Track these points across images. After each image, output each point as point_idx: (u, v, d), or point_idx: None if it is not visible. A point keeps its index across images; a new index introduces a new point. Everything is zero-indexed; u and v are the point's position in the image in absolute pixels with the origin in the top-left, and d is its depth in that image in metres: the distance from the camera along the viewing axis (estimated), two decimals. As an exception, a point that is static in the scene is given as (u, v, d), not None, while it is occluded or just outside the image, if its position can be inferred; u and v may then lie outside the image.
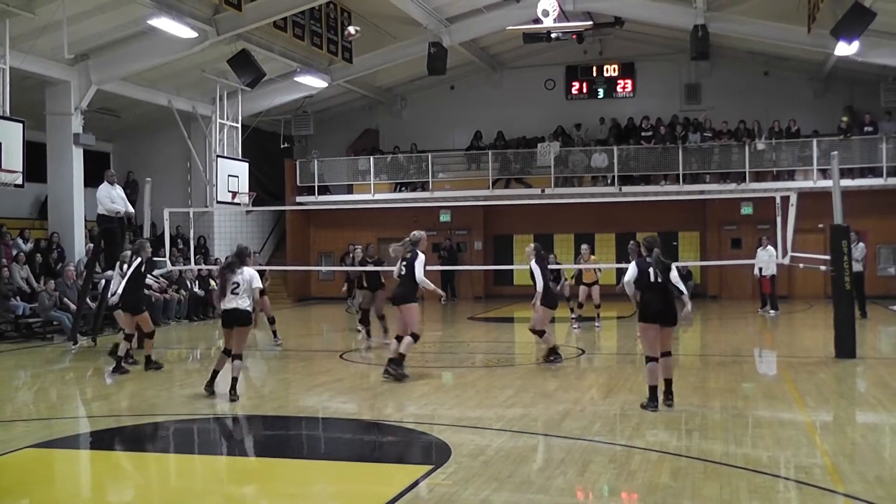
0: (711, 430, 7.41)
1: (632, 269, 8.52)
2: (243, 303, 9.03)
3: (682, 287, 8.54)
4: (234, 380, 9.07)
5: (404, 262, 10.42)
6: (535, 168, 24.00)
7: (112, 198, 14.12)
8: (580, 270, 16.06)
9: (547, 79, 26.39)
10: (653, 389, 8.23)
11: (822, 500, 5.52)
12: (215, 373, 9.28)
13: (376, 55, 22.33)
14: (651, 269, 8.37)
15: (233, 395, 8.97)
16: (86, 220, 18.91)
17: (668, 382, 8.35)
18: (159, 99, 20.97)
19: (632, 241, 13.98)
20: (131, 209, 14.62)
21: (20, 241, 17.52)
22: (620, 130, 24.67)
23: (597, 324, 16.13)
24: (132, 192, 19.50)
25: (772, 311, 18.42)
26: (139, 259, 11.39)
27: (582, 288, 16.07)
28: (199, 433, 8.20)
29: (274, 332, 14.07)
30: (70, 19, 15.76)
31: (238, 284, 9.04)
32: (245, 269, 9.16)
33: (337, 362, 12.19)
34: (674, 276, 8.43)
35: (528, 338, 16.16)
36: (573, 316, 16.28)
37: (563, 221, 23.87)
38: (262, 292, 10.90)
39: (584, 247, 16.19)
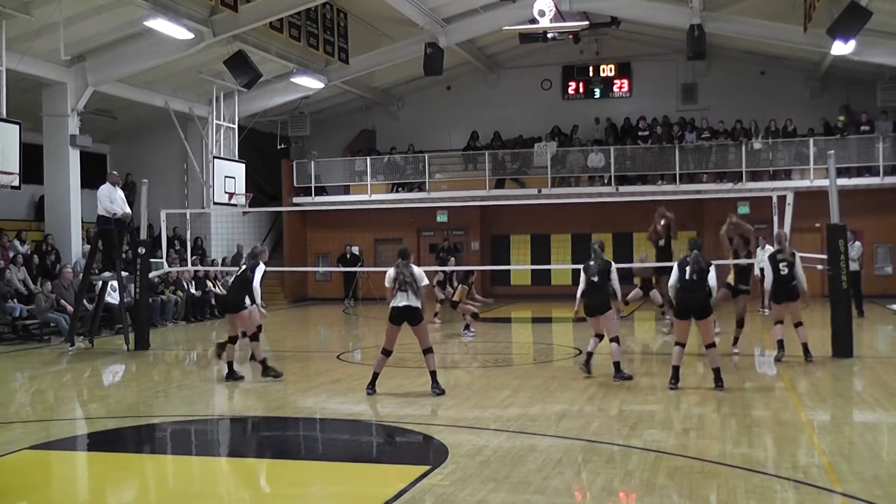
0: (709, 429, 7.42)
1: (675, 272, 9.49)
2: (414, 300, 9.05)
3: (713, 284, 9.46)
4: (433, 373, 9.21)
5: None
6: (531, 168, 24.02)
7: (112, 198, 14.13)
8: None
9: (543, 79, 26.40)
10: (675, 369, 9.32)
11: (820, 499, 5.53)
12: (375, 375, 9.25)
13: (373, 56, 22.33)
14: (688, 268, 9.30)
15: (436, 389, 9.11)
16: (83, 222, 18.90)
17: (716, 371, 9.23)
18: (156, 100, 20.95)
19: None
20: (128, 210, 14.62)
21: (17, 243, 17.50)
22: (617, 130, 24.70)
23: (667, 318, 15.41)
24: (130, 194, 19.46)
25: (766, 311, 18.41)
26: (257, 263, 10.69)
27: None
28: (197, 434, 8.19)
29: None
30: (67, 21, 15.74)
31: (408, 283, 9.07)
32: (414, 267, 9.24)
33: (334, 363, 12.18)
34: (711, 276, 9.37)
35: (525, 338, 16.21)
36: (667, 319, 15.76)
37: (560, 221, 23.89)
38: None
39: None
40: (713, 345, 9.32)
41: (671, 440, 7.04)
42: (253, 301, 10.40)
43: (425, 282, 9.24)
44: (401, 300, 9.03)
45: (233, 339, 10.55)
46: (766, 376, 11.13)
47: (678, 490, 5.63)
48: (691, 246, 9.50)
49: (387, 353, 9.20)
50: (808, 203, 16.18)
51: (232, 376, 10.42)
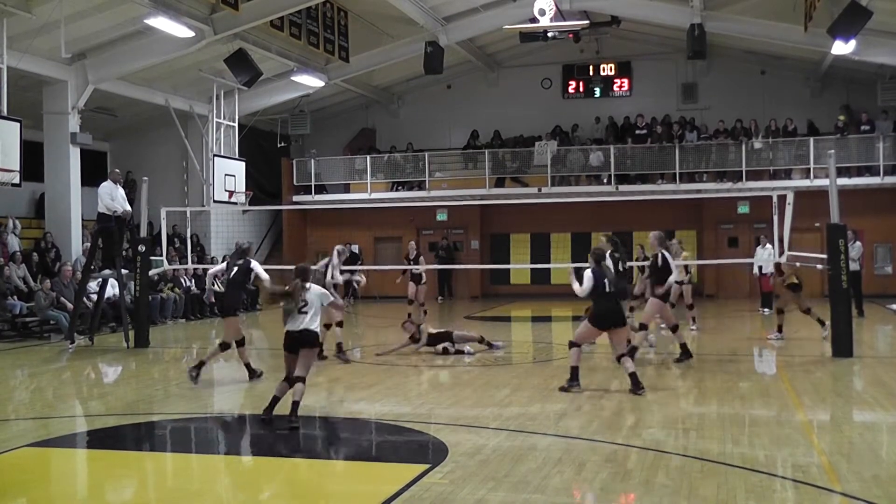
0: (708, 429, 7.42)
1: (588, 279, 9.22)
2: (313, 324, 7.97)
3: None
4: (296, 404, 7.81)
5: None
6: (531, 167, 24.02)
7: (113, 196, 14.16)
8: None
9: (543, 78, 26.39)
10: (574, 370, 9.24)
11: (819, 498, 5.53)
12: (275, 399, 8.04)
13: (373, 54, 22.32)
14: (606, 280, 9.19)
15: (293, 421, 7.70)
16: (83, 220, 18.90)
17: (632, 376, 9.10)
18: (156, 98, 20.94)
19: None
20: (129, 208, 14.63)
21: (13, 236, 17.46)
22: (617, 129, 24.69)
23: (692, 326, 15.25)
24: (130, 192, 19.48)
25: (766, 310, 18.44)
26: (249, 261, 10.52)
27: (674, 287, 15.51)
28: (196, 432, 8.19)
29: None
30: (67, 19, 15.75)
31: (307, 303, 7.96)
32: (313, 286, 8.16)
33: (333, 361, 12.17)
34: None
35: (525, 336, 16.21)
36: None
37: (560, 220, 23.89)
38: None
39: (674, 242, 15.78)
40: (625, 355, 9.24)
41: (671, 439, 7.03)
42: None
43: (329, 299, 8.28)
44: (298, 324, 7.93)
45: (224, 346, 10.26)
46: (766, 376, 11.14)
47: (677, 489, 5.63)
48: (597, 256, 9.31)
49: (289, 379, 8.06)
50: (809, 203, 16.18)
51: (253, 375, 10.30)
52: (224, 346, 10.28)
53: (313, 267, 11.32)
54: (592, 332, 9.50)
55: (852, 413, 8.42)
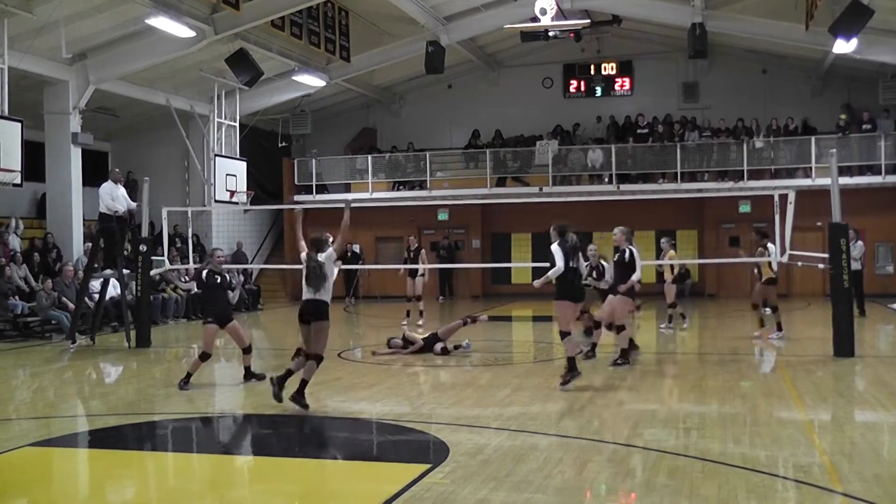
0: (709, 428, 7.41)
1: (558, 253, 9.27)
2: (325, 295, 8.12)
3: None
4: (304, 382, 8.07)
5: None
6: (532, 167, 24.01)
7: (114, 196, 14.17)
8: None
9: (545, 77, 26.38)
10: (571, 360, 9.26)
11: (821, 498, 5.52)
12: (289, 372, 8.25)
13: (374, 54, 22.32)
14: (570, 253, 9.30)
15: (299, 400, 8.05)
16: (84, 220, 18.92)
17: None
18: (157, 98, 20.95)
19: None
20: (133, 205, 14.66)
21: (14, 235, 17.48)
22: (618, 129, 24.68)
23: (662, 326, 15.48)
24: (131, 192, 19.46)
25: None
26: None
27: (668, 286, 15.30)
28: (197, 432, 8.20)
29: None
30: (68, 19, 15.75)
31: (319, 271, 8.10)
32: (323, 255, 8.28)
33: (335, 361, 12.17)
34: (582, 262, 9.65)
35: (526, 336, 16.22)
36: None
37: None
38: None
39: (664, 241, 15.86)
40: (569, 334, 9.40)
41: (672, 439, 7.03)
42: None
43: (334, 258, 8.34)
44: (310, 293, 8.16)
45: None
46: (767, 375, 11.13)
47: (679, 489, 5.63)
48: (561, 230, 9.49)
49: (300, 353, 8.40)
50: (810, 202, 16.16)
51: (254, 378, 10.11)
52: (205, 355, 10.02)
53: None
54: (572, 309, 9.51)
55: (854, 413, 8.41)
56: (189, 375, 9.82)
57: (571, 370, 9.29)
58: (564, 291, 9.36)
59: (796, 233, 12.98)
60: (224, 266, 10.43)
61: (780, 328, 13.74)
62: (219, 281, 10.03)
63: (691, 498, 5.47)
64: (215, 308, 10.05)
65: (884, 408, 8.34)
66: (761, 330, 13.94)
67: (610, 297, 11.25)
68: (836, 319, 11.54)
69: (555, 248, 9.35)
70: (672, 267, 15.29)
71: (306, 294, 8.27)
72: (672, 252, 15.68)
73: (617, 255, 11.17)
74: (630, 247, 11.00)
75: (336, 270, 8.57)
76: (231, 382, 10.80)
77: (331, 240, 8.55)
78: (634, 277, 10.86)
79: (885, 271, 22.82)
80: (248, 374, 10.24)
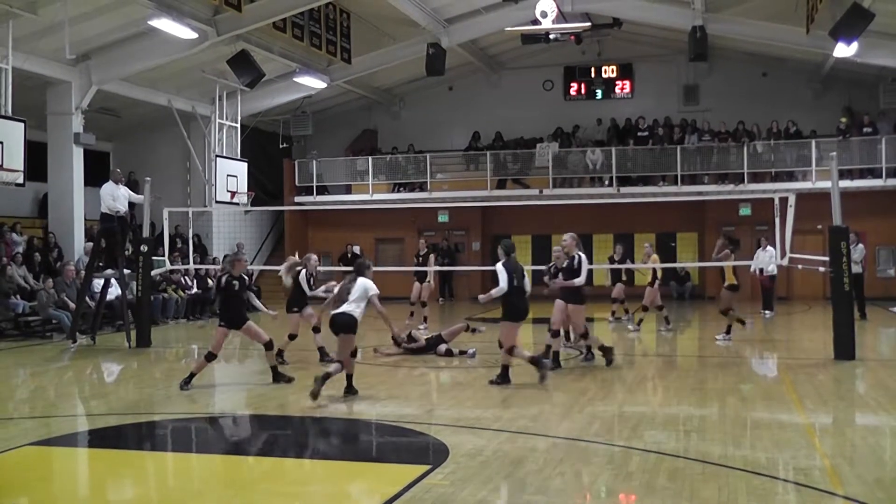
0: (710, 431, 7.41)
1: (502, 273, 9.50)
2: (352, 309, 8.86)
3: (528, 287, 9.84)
4: (326, 374, 8.79)
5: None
6: (533, 169, 24.03)
7: (115, 196, 14.20)
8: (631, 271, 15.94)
9: (545, 80, 26.40)
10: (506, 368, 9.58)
11: (822, 502, 5.52)
12: (328, 375, 8.80)
13: (375, 56, 22.34)
14: (516, 274, 9.49)
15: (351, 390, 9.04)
16: (85, 219, 18.94)
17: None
18: (159, 99, 20.98)
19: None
20: (139, 198, 14.70)
21: (14, 235, 17.51)
22: (619, 131, 24.69)
23: (632, 326, 15.80)
24: (133, 192, 19.52)
25: (768, 312, 18.44)
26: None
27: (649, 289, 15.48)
28: (197, 432, 8.20)
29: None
30: (71, 20, 15.78)
31: (349, 291, 8.94)
32: (360, 279, 9.03)
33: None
34: (526, 281, 9.76)
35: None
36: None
37: (562, 222, 23.70)
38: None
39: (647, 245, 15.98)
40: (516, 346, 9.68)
41: (672, 442, 7.03)
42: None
43: (374, 292, 8.97)
44: (339, 308, 8.96)
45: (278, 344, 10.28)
46: (767, 378, 11.13)
47: (679, 492, 5.63)
48: (507, 249, 9.72)
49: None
50: (811, 205, 16.18)
51: (283, 380, 10.09)
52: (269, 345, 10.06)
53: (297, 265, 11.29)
54: (514, 329, 9.70)
55: (855, 416, 8.42)
56: (192, 375, 9.79)
57: (503, 378, 9.63)
58: (506, 311, 9.63)
59: (797, 236, 13.01)
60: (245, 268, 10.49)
61: (728, 332, 13.89)
62: (237, 287, 9.87)
63: (691, 500, 5.47)
64: (229, 313, 9.91)
65: (885, 411, 8.34)
66: (720, 336, 13.94)
67: (557, 301, 10.97)
68: (836, 323, 11.55)
69: (499, 267, 9.64)
70: (654, 271, 15.38)
71: (335, 308, 9.02)
72: (655, 256, 15.75)
73: (566, 262, 10.96)
74: (579, 253, 10.86)
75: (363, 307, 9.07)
76: (231, 383, 10.80)
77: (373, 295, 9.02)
78: (577, 282, 10.67)
79: (886, 274, 22.84)
80: (276, 376, 10.02)
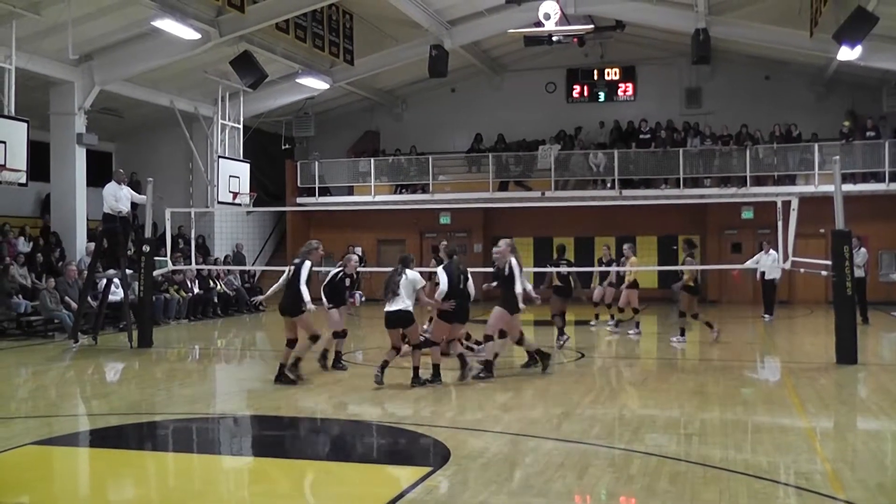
0: (711, 435, 7.40)
1: (442, 275, 9.85)
2: (405, 304, 9.53)
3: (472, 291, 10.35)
4: (416, 369, 9.69)
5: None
6: (535, 171, 24.02)
7: (117, 196, 14.21)
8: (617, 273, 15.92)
9: (548, 82, 26.41)
10: (437, 367, 9.85)
11: (822, 505, 5.52)
12: (386, 363, 9.70)
13: (378, 57, 22.36)
14: (456, 276, 9.85)
15: (418, 382, 9.65)
16: (88, 220, 18.97)
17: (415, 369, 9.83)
18: (162, 99, 21.01)
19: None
20: (141, 198, 14.71)
21: (21, 240, 17.56)
22: (622, 133, 24.69)
23: (610, 325, 16.23)
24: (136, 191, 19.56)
25: (768, 316, 18.42)
26: (307, 262, 10.36)
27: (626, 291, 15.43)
28: (198, 432, 8.20)
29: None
30: (75, 21, 15.81)
31: (398, 286, 9.52)
32: (408, 272, 9.62)
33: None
34: (470, 283, 10.22)
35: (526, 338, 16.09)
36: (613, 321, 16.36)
37: (564, 224, 23.85)
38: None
39: (626, 246, 15.91)
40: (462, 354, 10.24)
41: (673, 445, 7.02)
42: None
43: (421, 284, 9.67)
44: (392, 305, 9.55)
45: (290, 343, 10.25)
46: (769, 382, 11.12)
47: (680, 495, 5.62)
48: (450, 252, 10.28)
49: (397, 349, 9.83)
50: (813, 208, 16.18)
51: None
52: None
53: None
54: (445, 328, 10.10)
55: (856, 420, 8.40)
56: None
57: (435, 376, 9.85)
58: (447, 312, 9.95)
59: (799, 239, 12.97)
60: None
61: (682, 333, 14.03)
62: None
63: (693, 503, 5.46)
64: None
65: (887, 416, 8.32)
66: (711, 333, 14.00)
67: (496, 308, 10.58)
68: (838, 327, 11.52)
69: (440, 269, 10.02)
70: (626, 274, 15.44)
71: (389, 306, 9.63)
72: (633, 258, 15.72)
73: (499, 269, 10.60)
74: (513, 259, 10.44)
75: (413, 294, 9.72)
76: (232, 383, 10.80)
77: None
78: (518, 289, 10.26)
79: (889, 279, 22.80)
80: (281, 376, 9.93)
